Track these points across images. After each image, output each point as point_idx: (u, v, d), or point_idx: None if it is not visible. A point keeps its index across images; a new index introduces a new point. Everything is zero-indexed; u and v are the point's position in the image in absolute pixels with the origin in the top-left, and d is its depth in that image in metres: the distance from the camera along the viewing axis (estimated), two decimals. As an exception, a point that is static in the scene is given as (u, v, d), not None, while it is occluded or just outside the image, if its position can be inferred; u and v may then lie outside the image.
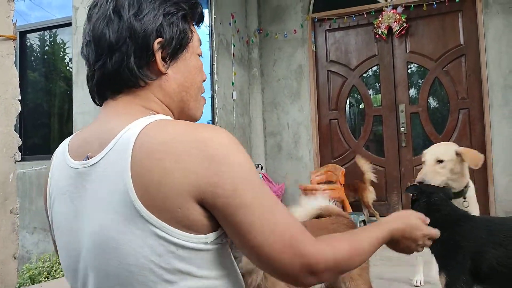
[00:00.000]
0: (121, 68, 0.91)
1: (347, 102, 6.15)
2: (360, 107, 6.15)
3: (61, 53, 6.90)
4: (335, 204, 2.06)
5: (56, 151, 1.03)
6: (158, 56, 0.93)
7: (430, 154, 2.35)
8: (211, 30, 5.46)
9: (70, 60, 6.41)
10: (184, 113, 1.03)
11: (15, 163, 3.00)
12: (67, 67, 6.71)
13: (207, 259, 0.84)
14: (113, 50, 0.91)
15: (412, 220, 1.12)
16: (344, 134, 6.06)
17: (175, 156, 0.79)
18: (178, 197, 0.79)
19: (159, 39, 0.93)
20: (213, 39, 5.42)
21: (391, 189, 5.81)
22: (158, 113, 0.92)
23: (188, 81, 1.01)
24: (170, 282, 0.81)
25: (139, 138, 0.82)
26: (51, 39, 6.96)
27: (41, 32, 6.81)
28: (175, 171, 0.79)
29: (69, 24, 6.09)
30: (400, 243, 1.10)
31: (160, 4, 0.94)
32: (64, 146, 0.99)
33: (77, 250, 0.89)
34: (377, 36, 5.79)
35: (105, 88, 0.96)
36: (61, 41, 6.85)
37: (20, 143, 3.09)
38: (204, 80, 1.07)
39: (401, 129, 5.73)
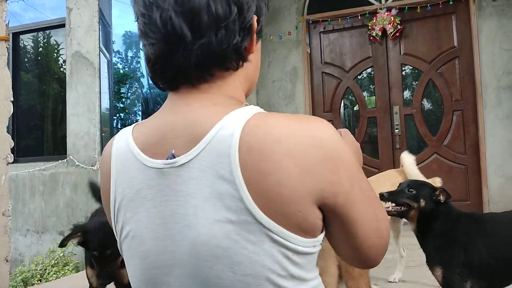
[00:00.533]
0: (228, 47, 0.79)
1: (342, 104, 6.16)
2: (355, 108, 6.16)
3: (55, 54, 6.87)
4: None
5: (113, 149, 0.87)
6: (254, 35, 0.84)
7: None
8: (206, 32, 5.44)
9: (64, 61, 6.39)
10: (251, 89, 0.95)
11: (7, 164, 2.98)
12: (61, 69, 6.68)
13: (312, 262, 0.81)
14: (219, 26, 0.77)
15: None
16: (338, 136, 6.05)
17: (293, 157, 0.72)
18: (299, 200, 0.72)
19: (256, 17, 0.83)
20: (208, 40, 5.41)
21: (386, 191, 5.80)
22: (240, 103, 0.82)
23: (259, 62, 0.94)
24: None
25: (244, 137, 0.72)
26: (44, 40, 6.93)
27: (34, 33, 6.79)
28: (295, 173, 0.72)
29: (62, 25, 6.07)
30: None
31: None
32: (127, 142, 0.84)
33: (167, 260, 0.79)
34: (371, 38, 5.81)
35: (202, 70, 0.81)
36: (54, 42, 6.82)
37: (13, 145, 3.07)
38: None
39: (396, 130, 5.74)
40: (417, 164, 5.59)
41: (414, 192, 1.87)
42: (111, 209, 0.86)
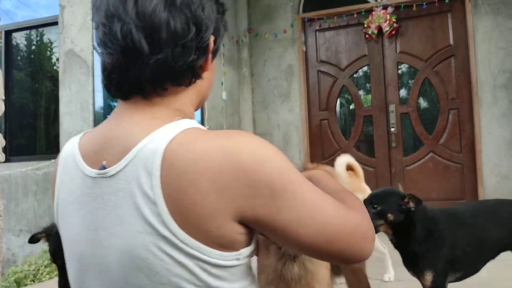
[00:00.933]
0: (184, 64, 0.83)
1: (338, 102, 6.14)
2: (351, 107, 6.14)
3: (48, 52, 6.80)
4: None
5: (63, 153, 0.93)
6: (210, 55, 0.88)
7: None
8: (201, 30, 5.40)
9: (57, 59, 6.32)
10: (201, 104, 0.98)
11: (-2, 164, 2.93)
12: (54, 67, 6.61)
13: (237, 273, 0.81)
14: (177, 43, 0.81)
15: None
16: (334, 135, 6.05)
17: (209, 176, 0.74)
18: (215, 217, 0.75)
19: (213, 37, 0.88)
20: (203, 38, 5.36)
21: (382, 190, 5.79)
22: (186, 117, 0.84)
23: (212, 80, 0.97)
24: None
25: (167, 154, 0.75)
26: (37, 38, 6.86)
27: (27, 31, 6.72)
28: (210, 192, 0.74)
29: (55, 23, 6.01)
30: None
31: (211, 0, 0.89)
32: (73, 148, 0.89)
33: (97, 265, 0.82)
34: (367, 36, 5.79)
35: (155, 83, 0.83)
36: (48, 41, 6.75)
37: (4, 144, 3.02)
38: None
39: (391, 129, 5.73)
40: (413, 163, 5.64)
41: (378, 208, 1.71)
42: (55, 210, 0.92)
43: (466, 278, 1.85)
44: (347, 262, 0.85)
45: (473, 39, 5.36)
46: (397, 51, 5.78)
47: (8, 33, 6.37)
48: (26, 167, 5.55)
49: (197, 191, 0.73)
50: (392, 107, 5.76)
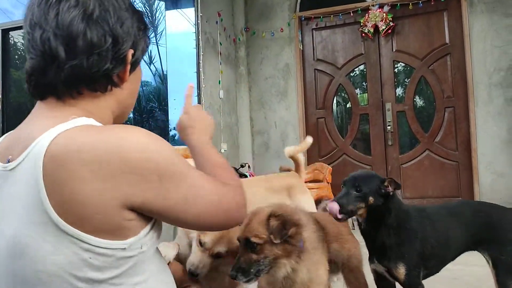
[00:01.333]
0: (99, 71, 0.90)
1: (334, 101, 6.16)
2: (347, 105, 6.16)
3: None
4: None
5: None
6: (128, 66, 0.96)
7: None
8: (197, 29, 5.42)
9: (55, 58, 6.33)
10: (121, 117, 1.06)
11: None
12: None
13: (123, 269, 0.84)
14: (92, 52, 0.89)
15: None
16: (331, 133, 6.07)
17: (90, 166, 0.78)
18: (99, 204, 0.79)
19: (132, 51, 0.96)
20: (200, 37, 5.38)
21: (378, 188, 5.82)
22: (99, 120, 0.92)
23: (135, 89, 1.05)
24: None
25: (50, 146, 0.80)
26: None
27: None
28: (94, 181, 0.78)
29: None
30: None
31: (133, 17, 0.97)
32: None
33: None
34: (363, 35, 5.81)
35: (70, 87, 0.91)
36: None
37: (1, 143, 3.03)
38: None
39: (388, 127, 5.75)
40: (409, 161, 5.67)
41: (362, 191, 1.62)
42: None
43: (428, 277, 1.82)
44: (225, 229, 1.01)
45: (469, 37, 5.38)
46: (394, 50, 5.80)
47: (6, 32, 6.36)
48: (24, 165, 5.56)
49: (78, 180, 0.78)
50: (388, 106, 5.78)
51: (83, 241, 0.79)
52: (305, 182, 5.13)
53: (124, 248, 0.83)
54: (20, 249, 0.82)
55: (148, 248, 0.88)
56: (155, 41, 7.14)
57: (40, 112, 0.93)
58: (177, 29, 6.20)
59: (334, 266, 1.74)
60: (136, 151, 0.82)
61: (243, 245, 1.30)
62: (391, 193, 1.65)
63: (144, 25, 1.01)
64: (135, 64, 0.99)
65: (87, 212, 0.79)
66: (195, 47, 5.44)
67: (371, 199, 1.63)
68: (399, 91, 5.90)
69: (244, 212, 0.99)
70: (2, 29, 6.22)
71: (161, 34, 6.82)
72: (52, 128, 0.84)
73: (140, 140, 0.84)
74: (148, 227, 0.88)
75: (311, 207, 2.63)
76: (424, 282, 1.75)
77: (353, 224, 5.02)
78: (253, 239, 1.27)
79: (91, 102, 0.93)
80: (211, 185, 0.93)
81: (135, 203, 0.82)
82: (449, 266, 1.87)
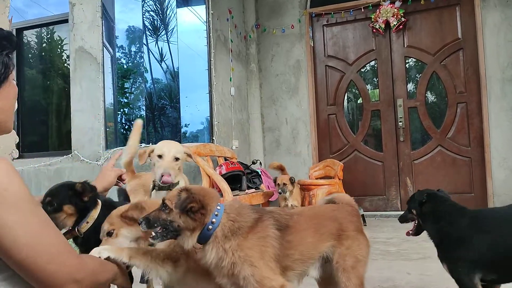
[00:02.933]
0: None
1: (345, 97, 6.15)
2: (358, 102, 6.15)
3: (59, 50, 6.88)
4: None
5: None
6: None
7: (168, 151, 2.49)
8: (208, 26, 5.44)
9: (68, 57, 6.40)
10: (1, 129, 1.18)
11: (13, 160, 3.01)
12: (65, 64, 6.69)
13: None
14: None
15: None
16: (342, 129, 6.06)
17: None
18: None
19: None
20: (211, 35, 5.41)
21: (390, 184, 5.81)
22: None
23: (6, 105, 1.16)
24: None
25: None
26: (48, 36, 6.93)
27: (38, 29, 6.79)
28: None
29: (66, 21, 6.08)
30: None
31: None
32: None
33: None
34: (374, 30, 5.79)
35: None
36: (58, 38, 6.82)
37: (18, 140, 3.10)
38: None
39: (399, 123, 5.73)
40: (421, 157, 5.64)
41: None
42: None
43: None
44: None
45: (482, 32, 5.34)
46: (405, 45, 5.77)
47: (19, 31, 6.45)
48: (39, 163, 5.64)
49: None
50: (400, 102, 5.76)
51: None
52: (317, 178, 5.16)
53: None
54: None
55: None
56: (165, 39, 7.17)
57: None
58: (188, 26, 6.23)
59: (328, 264, 1.68)
60: None
61: (160, 205, 1.46)
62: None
63: (0, 49, 1.12)
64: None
65: None
66: (206, 44, 5.47)
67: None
68: (410, 86, 5.87)
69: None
70: (16, 29, 6.30)
71: (172, 31, 6.84)
72: None
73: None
74: None
75: None
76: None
77: (364, 220, 5.03)
78: (167, 202, 1.44)
79: None
80: (53, 233, 1.06)
81: None
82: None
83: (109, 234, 1.61)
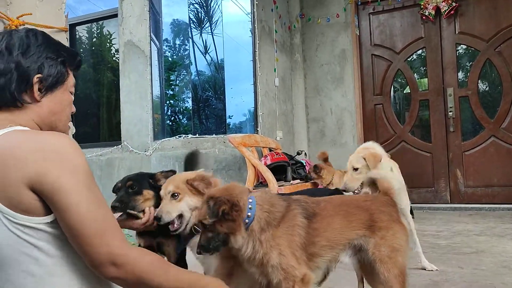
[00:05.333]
0: (5, 90, 1.16)
1: (392, 87, 6.01)
2: (406, 91, 5.99)
3: (108, 44, 7.11)
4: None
5: None
6: (36, 87, 1.19)
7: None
8: (253, 17, 5.45)
9: (116, 50, 6.60)
10: (55, 131, 1.26)
11: (70, 150, 3.14)
12: (114, 58, 6.91)
13: (50, 237, 1.08)
14: (0, 75, 1.16)
15: None
16: (389, 119, 5.93)
17: (15, 155, 1.04)
18: (15, 185, 1.02)
19: (39, 75, 1.20)
20: (255, 25, 5.41)
21: (439, 176, 5.64)
22: (22, 126, 1.17)
23: (58, 109, 1.26)
24: (27, 254, 1.06)
25: None
26: (98, 31, 7.18)
27: (88, 25, 7.03)
28: (12, 166, 1.03)
29: (115, 16, 6.26)
30: None
31: (44, 49, 1.22)
32: None
33: None
34: (423, 17, 5.61)
35: None
36: (107, 33, 7.05)
37: (74, 131, 3.23)
38: (73, 113, 1.35)
39: (449, 113, 5.54)
40: (473, 148, 5.43)
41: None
42: None
43: None
44: (96, 266, 1.09)
45: (540, 16, 5.05)
46: (456, 32, 5.55)
47: (72, 27, 6.70)
48: (91, 153, 5.87)
49: (4, 167, 1.03)
50: (450, 91, 5.56)
51: (13, 217, 1.04)
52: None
53: (46, 223, 1.07)
54: None
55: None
56: (210, 31, 7.24)
57: None
58: (232, 18, 6.26)
59: (364, 253, 1.66)
60: (50, 146, 1.06)
61: (201, 227, 1.48)
62: None
63: (56, 56, 1.24)
64: (48, 86, 1.22)
65: (9, 192, 1.03)
66: (250, 35, 5.49)
67: None
68: (461, 75, 5.65)
69: (107, 269, 1.08)
70: (69, 24, 6.54)
71: (216, 23, 6.90)
72: None
73: (59, 141, 1.08)
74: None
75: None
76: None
77: (411, 212, 4.92)
78: (204, 221, 1.45)
79: (11, 114, 1.18)
80: (106, 211, 1.12)
81: (35, 185, 1.03)
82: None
83: (174, 196, 1.70)
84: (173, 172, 1.95)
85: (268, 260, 1.45)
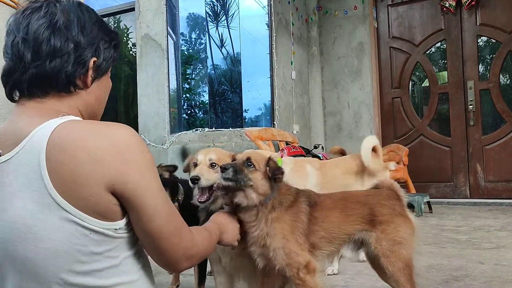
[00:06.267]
0: (60, 72, 1.02)
1: (411, 80, 5.92)
2: (424, 84, 5.90)
3: (125, 38, 7.16)
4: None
5: None
6: (91, 72, 1.08)
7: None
8: (270, 10, 5.42)
9: (133, 44, 6.64)
10: (95, 119, 1.18)
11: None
12: (130, 52, 6.96)
13: (117, 244, 0.98)
14: (55, 55, 1.01)
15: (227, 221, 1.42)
16: (407, 113, 5.86)
17: (88, 150, 0.92)
18: (91, 186, 0.91)
19: (94, 59, 1.08)
20: (272, 18, 5.38)
21: (458, 170, 5.56)
22: (62, 114, 1.03)
23: (103, 96, 1.18)
24: (83, 262, 0.94)
25: (52, 136, 0.93)
26: (115, 25, 7.23)
27: (105, 18, 7.08)
28: (87, 163, 0.91)
29: (131, 9, 6.29)
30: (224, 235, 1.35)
31: (99, 29, 1.10)
32: None
33: None
34: (444, 9, 5.51)
35: (35, 86, 1.03)
36: (124, 27, 7.09)
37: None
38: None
39: (470, 106, 5.44)
40: (494, 142, 5.33)
41: None
42: None
43: None
44: (170, 262, 1.06)
45: None
46: (478, 24, 5.44)
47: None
48: (109, 146, 5.93)
49: (75, 163, 0.91)
50: (470, 84, 5.46)
51: (83, 220, 0.92)
52: (380, 163, 5.02)
53: (116, 229, 0.97)
54: (25, 231, 0.92)
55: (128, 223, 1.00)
56: (226, 25, 7.23)
57: (18, 113, 1.04)
58: (249, 11, 6.24)
59: (367, 248, 1.65)
60: (125, 142, 0.96)
61: (242, 162, 1.51)
62: None
63: (110, 38, 1.13)
64: (99, 72, 1.11)
65: (84, 193, 0.91)
66: (267, 28, 5.46)
67: None
68: (482, 68, 5.54)
69: (184, 259, 1.06)
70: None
71: (233, 17, 6.89)
72: (45, 122, 0.96)
73: (128, 136, 0.98)
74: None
75: None
76: None
77: (429, 207, 4.87)
78: (254, 162, 1.49)
79: (58, 102, 1.05)
80: (174, 208, 1.05)
81: (118, 190, 0.94)
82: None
83: (212, 165, 1.70)
84: (174, 166, 2.08)
85: (271, 242, 1.47)
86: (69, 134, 0.93)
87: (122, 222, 0.98)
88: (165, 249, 1.01)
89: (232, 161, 1.59)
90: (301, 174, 2.78)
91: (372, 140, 2.90)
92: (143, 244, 1.04)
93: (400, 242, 1.63)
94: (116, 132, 0.97)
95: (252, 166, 1.50)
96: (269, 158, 1.54)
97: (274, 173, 1.50)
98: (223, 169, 1.46)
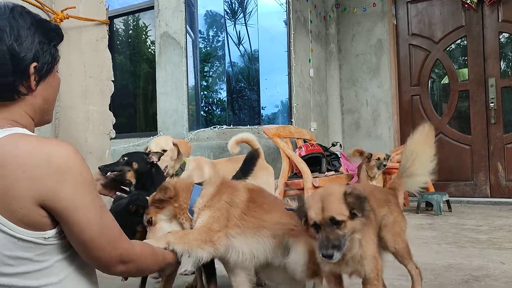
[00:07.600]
0: (1, 84, 1.05)
1: (430, 77, 5.86)
2: (444, 82, 5.83)
3: (143, 36, 7.22)
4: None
5: None
6: (33, 77, 1.09)
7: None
8: (288, 7, 5.41)
9: (152, 42, 6.70)
10: (43, 119, 1.21)
11: (110, 139, 3.23)
12: (149, 49, 7.02)
13: (48, 249, 1.04)
14: None
15: None
16: (426, 111, 5.80)
17: (23, 168, 0.96)
18: (21, 200, 0.96)
19: (34, 64, 1.08)
20: (290, 16, 5.37)
21: (478, 169, 5.48)
22: (18, 123, 1.08)
23: (51, 95, 1.19)
24: (11, 265, 0.99)
25: None
26: (134, 23, 7.30)
27: (125, 17, 7.16)
28: (21, 180, 0.96)
29: (151, 8, 6.35)
30: None
31: (35, 33, 1.09)
32: None
33: None
34: (465, 5, 5.43)
35: None
36: (143, 25, 7.16)
37: (114, 121, 3.32)
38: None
39: (491, 104, 5.36)
40: (515, 141, 5.23)
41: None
42: None
43: None
44: (103, 267, 1.11)
45: None
46: (500, 20, 5.34)
47: (110, 20, 6.83)
48: (128, 143, 6.01)
49: (11, 178, 0.95)
50: (491, 81, 5.38)
51: (11, 229, 0.97)
52: (398, 162, 4.99)
53: (45, 237, 1.02)
54: None
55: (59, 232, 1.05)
56: (243, 22, 7.25)
57: None
58: (266, 9, 6.24)
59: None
60: (62, 160, 1.00)
61: (327, 225, 1.32)
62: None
63: (48, 39, 1.12)
64: (42, 74, 1.12)
65: (14, 206, 0.96)
66: (285, 26, 5.46)
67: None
68: (504, 65, 5.45)
69: (117, 265, 1.11)
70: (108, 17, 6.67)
71: (250, 14, 6.90)
72: None
73: (68, 155, 1.01)
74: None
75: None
76: None
77: (449, 206, 4.81)
78: (338, 217, 1.31)
79: (5, 111, 1.08)
80: (110, 219, 1.11)
81: (49, 206, 0.99)
82: None
83: (149, 222, 1.68)
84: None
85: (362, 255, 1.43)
86: (12, 151, 0.97)
87: (52, 232, 1.03)
88: (97, 256, 1.07)
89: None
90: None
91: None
92: (76, 250, 1.09)
93: (369, 226, 1.59)
94: (56, 150, 1.01)
95: (340, 222, 1.33)
96: (345, 195, 1.36)
97: (363, 210, 1.35)
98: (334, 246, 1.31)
